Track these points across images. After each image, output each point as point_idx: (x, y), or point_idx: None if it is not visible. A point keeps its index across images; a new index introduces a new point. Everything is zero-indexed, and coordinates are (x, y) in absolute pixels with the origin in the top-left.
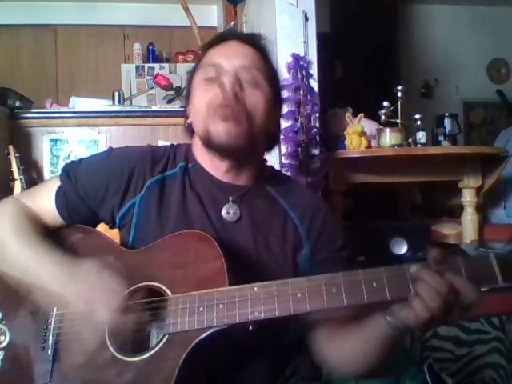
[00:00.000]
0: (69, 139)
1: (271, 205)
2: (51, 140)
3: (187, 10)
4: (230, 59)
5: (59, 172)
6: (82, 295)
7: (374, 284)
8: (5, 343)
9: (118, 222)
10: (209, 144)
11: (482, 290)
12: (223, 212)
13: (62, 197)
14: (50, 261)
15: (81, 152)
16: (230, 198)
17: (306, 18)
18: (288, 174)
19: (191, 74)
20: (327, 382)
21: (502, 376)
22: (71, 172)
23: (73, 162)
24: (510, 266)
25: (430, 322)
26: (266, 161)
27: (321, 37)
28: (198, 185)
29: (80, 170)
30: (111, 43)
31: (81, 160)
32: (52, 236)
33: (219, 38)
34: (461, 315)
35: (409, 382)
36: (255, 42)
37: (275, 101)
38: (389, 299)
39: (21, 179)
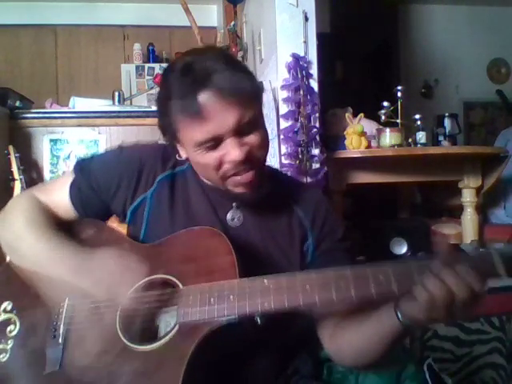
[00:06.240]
0: (69, 139)
1: (275, 201)
2: (51, 140)
3: (187, 10)
4: (223, 124)
5: (60, 171)
6: (100, 281)
7: (381, 277)
8: (15, 332)
9: (129, 215)
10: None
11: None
12: (228, 218)
13: (75, 190)
14: (64, 252)
15: (81, 152)
16: (234, 204)
17: (306, 18)
18: (288, 174)
19: (172, 120)
20: (327, 382)
21: (502, 376)
22: (85, 166)
23: (85, 158)
24: None
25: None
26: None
27: (321, 37)
28: (205, 186)
29: (93, 164)
30: (111, 43)
31: (93, 156)
32: (65, 229)
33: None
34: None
35: (409, 382)
36: (233, 92)
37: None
38: (395, 292)
39: (21, 179)
